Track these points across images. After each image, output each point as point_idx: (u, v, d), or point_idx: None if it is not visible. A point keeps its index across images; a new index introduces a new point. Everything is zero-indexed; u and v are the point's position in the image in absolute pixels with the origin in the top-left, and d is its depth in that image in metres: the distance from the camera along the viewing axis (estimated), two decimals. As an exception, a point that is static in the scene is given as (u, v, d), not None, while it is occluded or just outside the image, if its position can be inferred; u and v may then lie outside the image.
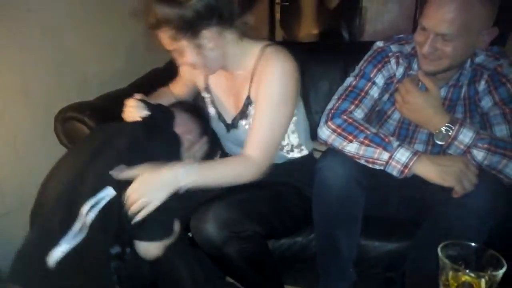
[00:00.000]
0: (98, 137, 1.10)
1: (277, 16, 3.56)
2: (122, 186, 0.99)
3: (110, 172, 0.99)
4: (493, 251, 0.78)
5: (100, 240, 0.97)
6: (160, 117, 1.19)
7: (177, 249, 1.07)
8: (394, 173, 1.07)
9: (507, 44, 2.22)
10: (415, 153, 1.05)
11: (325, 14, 3.53)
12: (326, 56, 1.22)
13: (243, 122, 1.24)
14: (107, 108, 1.47)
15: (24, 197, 1.38)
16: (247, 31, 1.17)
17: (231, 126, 1.28)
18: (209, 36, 1.09)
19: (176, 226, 1.07)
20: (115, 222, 0.99)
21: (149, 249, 1.03)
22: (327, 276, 1.26)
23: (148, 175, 1.01)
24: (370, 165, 1.10)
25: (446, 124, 1.07)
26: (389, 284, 1.34)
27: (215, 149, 1.35)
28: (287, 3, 3.53)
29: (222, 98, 1.31)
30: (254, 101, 1.18)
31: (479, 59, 1.16)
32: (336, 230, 1.17)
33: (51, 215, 0.95)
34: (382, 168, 1.09)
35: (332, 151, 1.16)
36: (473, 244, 0.81)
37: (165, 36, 1.09)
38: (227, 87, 1.28)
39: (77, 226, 0.93)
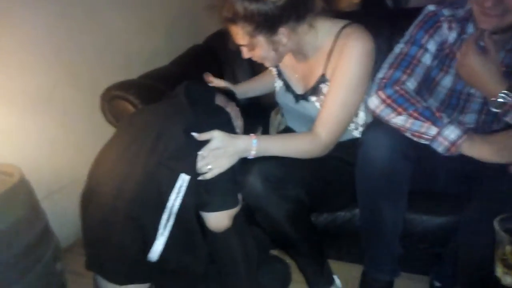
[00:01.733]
0: (147, 125, 1.10)
1: (316, -15, 3.45)
2: (193, 167, 1.01)
3: (193, 134, 1.02)
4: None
5: (192, 220, 1.02)
6: (203, 93, 1.20)
7: (233, 222, 1.08)
8: (440, 149, 1.03)
9: None
10: (466, 131, 1.00)
11: (366, -19, 3.38)
12: (369, 25, 1.16)
13: (313, 98, 1.22)
14: (151, 86, 1.50)
15: (75, 173, 1.46)
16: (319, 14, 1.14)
17: (302, 97, 1.26)
18: (284, 32, 1.08)
19: (240, 196, 1.09)
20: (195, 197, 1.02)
21: (220, 219, 1.05)
22: (372, 250, 1.25)
23: (223, 141, 1.03)
24: (416, 139, 1.06)
25: (503, 91, 1.01)
26: (436, 259, 1.31)
27: (256, 126, 1.35)
28: (326, -28, 3.41)
29: (287, 72, 1.32)
30: (329, 79, 1.17)
31: None
32: (381, 203, 1.14)
33: (140, 217, 1.00)
34: (427, 143, 1.04)
35: (376, 124, 1.13)
36: (532, 217, 0.77)
37: (240, 32, 1.08)
38: (292, 64, 1.28)
39: (164, 217, 0.99)
